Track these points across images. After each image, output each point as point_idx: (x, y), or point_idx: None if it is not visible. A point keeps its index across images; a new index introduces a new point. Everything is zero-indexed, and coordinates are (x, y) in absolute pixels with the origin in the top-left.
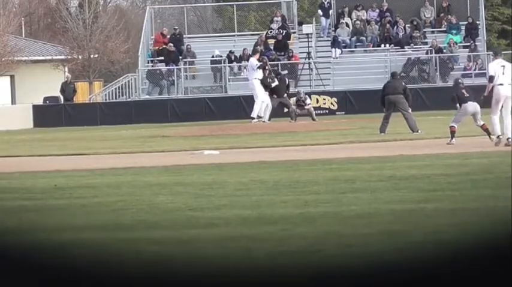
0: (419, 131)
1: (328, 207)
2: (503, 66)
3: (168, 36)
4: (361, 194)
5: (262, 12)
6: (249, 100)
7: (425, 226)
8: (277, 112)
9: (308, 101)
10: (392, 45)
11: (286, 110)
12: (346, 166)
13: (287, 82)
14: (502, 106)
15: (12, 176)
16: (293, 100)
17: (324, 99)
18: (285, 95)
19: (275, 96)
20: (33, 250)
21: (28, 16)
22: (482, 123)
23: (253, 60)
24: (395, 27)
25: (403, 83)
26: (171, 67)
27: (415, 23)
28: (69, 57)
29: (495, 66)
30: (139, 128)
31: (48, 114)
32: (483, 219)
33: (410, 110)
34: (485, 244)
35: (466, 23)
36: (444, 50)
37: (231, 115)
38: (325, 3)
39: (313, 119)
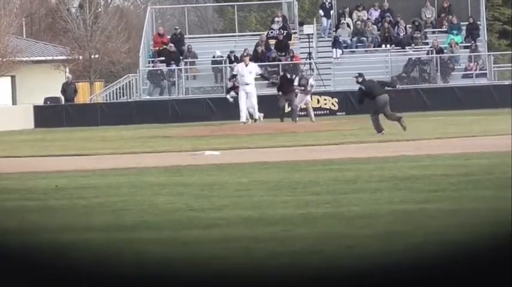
0: (382, 133)
1: (328, 208)
2: None
3: (169, 37)
4: (362, 194)
5: (263, 13)
6: None
7: (426, 226)
8: (277, 113)
9: (311, 81)
10: (393, 45)
11: (288, 109)
12: (346, 166)
13: (289, 76)
14: None
15: (13, 177)
16: (297, 80)
17: (325, 99)
18: (292, 92)
19: (281, 93)
20: (34, 251)
21: (29, 17)
22: None
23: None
24: (396, 27)
25: (378, 82)
26: (171, 67)
27: (416, 23)
28: (70, 57)
29: None
30: (140, 129)
31: (49, 115)
32: (483, 220)
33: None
34: (486, 245)
35: (467, 23)
36: (445, 51)
37: (231, 116)
38: (326, 3)
39: (312, 120)
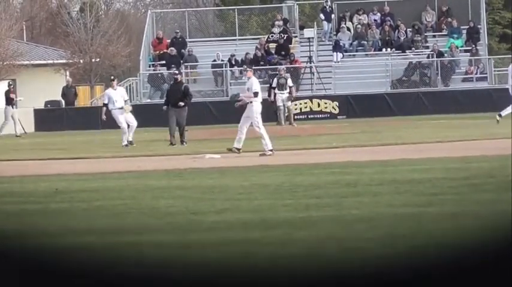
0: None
1: (329, 211)
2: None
3: (169, 41)
4: (363, 198)
5: (263, 17)
6: None
7: (426, 229)
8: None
9: (290, 81)
10: (393, 49)
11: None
12: (347, 169)
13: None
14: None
15: (14, 180)
16: (274, 81)
17: (326, 103)
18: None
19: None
20: (35, 254)
21: (30, 20)
22: None
23: None
24: (397, 31)
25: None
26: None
27: (416, 27)
28: (70, 61)
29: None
30: (140, 132)
31: (49, 119)
32: (484, 223)
33: None
34: (487, 248)
35: (467, 27)
36: (445, 54)
37: (232, 119)
38: (327, 7)
39: (291, 123)
